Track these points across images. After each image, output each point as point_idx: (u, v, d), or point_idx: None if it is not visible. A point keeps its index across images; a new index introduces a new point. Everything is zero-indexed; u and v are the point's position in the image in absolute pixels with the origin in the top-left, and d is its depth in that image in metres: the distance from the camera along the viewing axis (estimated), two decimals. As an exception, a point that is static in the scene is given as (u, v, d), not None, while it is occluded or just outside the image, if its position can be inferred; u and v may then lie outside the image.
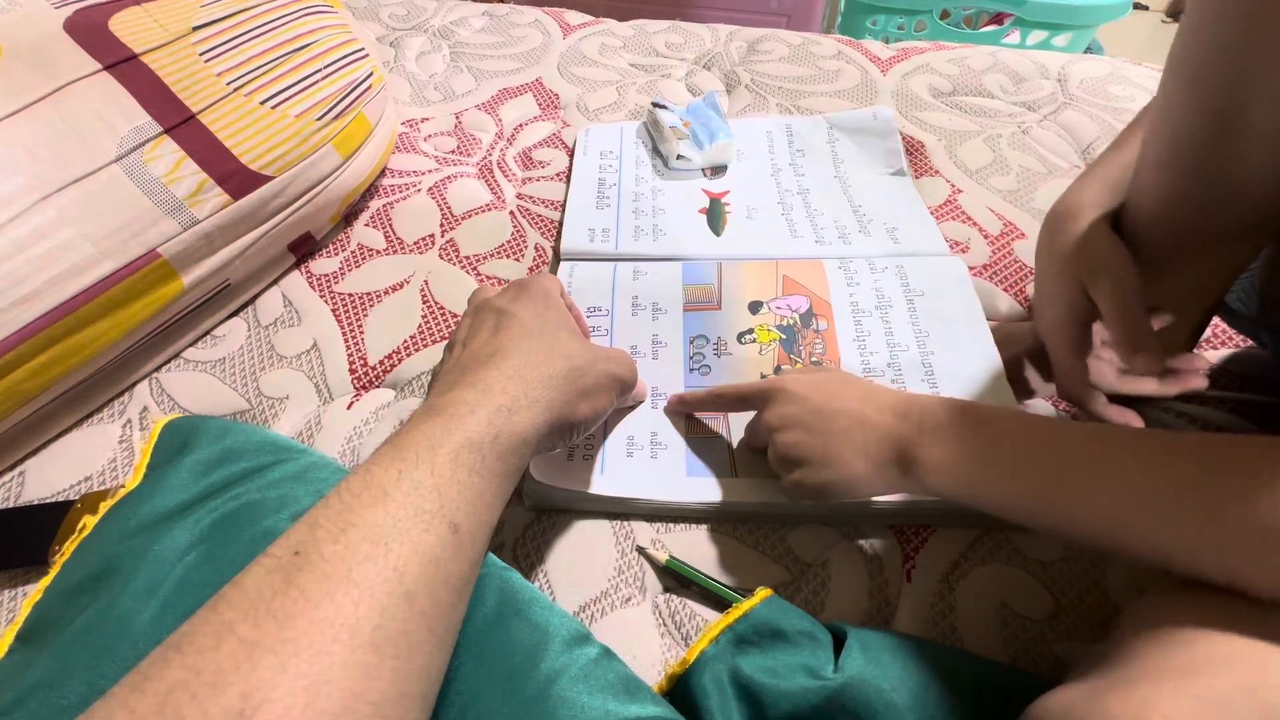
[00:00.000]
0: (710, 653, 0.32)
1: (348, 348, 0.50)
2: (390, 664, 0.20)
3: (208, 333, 0.51)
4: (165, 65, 0.47)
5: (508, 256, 0.56)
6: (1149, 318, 0.35)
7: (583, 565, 0.39)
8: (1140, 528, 0.26)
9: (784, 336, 0.47)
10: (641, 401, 0.44)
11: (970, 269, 0.51)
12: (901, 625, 0.37)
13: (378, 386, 0.48)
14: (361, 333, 0.51)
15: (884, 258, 0.52)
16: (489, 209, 0.60)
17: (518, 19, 0.83)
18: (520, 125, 0.69)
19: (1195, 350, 0.47)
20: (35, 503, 0.41)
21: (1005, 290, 0.52)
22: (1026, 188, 0.60)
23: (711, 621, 0.35)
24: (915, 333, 0.47)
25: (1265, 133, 0.30)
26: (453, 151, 0.66)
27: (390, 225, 0.59)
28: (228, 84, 0.49)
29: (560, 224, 0.58)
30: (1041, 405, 0.45)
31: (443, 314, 0.52)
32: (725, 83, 0.75)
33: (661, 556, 0.38)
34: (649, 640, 0.36)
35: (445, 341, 0.49)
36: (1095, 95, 0.70)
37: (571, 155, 0.65)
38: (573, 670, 0.29)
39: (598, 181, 0.61)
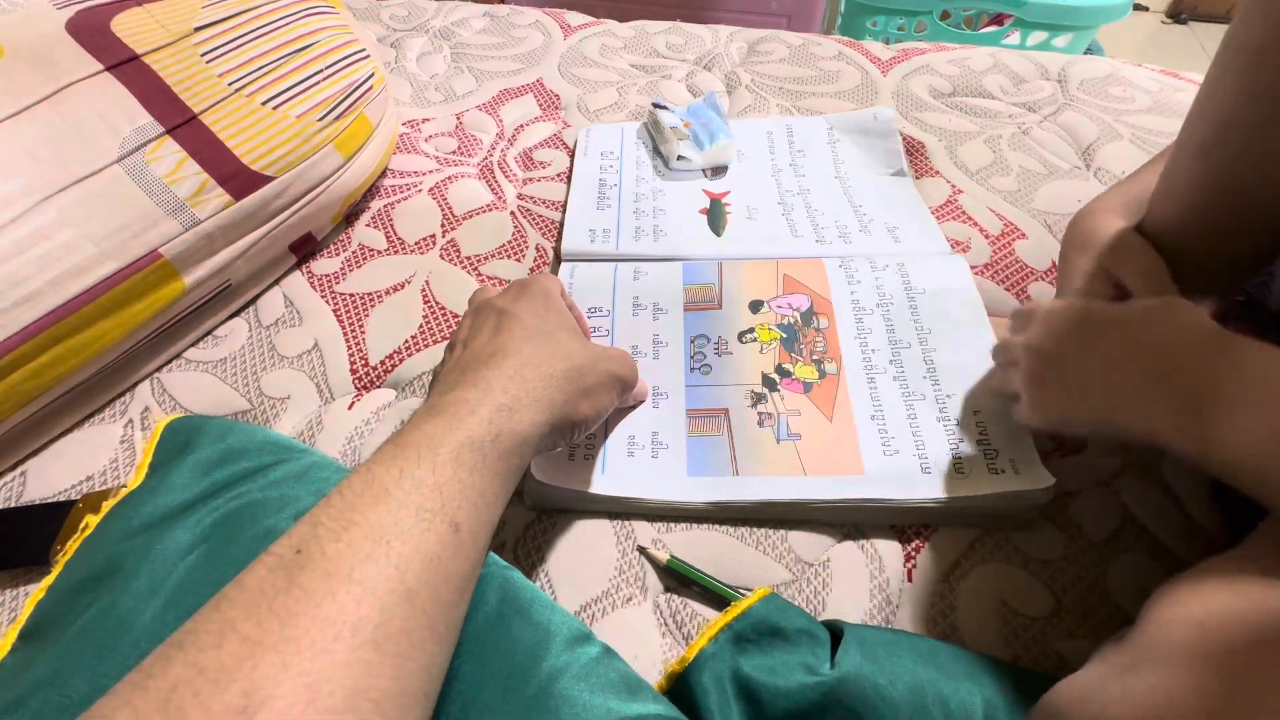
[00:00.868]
0: (709, 651, 0.32)
1: (349, 348, 0.50)
2: (392, 662, 0.20)
3: (209, 333, 0.51)
4: (167, 66, 0.47)
5: (509, 257, 0.56)
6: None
7: (583, 565, 0.39)
8: None
9: (785, 335, 0.47)
10: (642, 401, 0.44)
11: (971, 269, 0.51)
12: (902, 625, 0.37)
13: (379, 386, 0.48)
14: (363, 333, 0.51)
15: (885, 256, 0.52)
16: (490, 209, 0.60)
17: (518, 20, 0.83)
18: (521, 126, 0.69)
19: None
20: (36, 502, 0.41)
21: (1007, 289, 0.52)
22: (1027, 188, 0.60)
23: (712, 621, 0.35)
24: (917, 330, 0.47)
25: None
26: (454, 152, 0.66)
27: (391, 225, 0.59)
28: (229, 84, 0.49)
29: (561, 224, 0.58)
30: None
31: (444, 314, 0.52)
32: (726, 83, 0.75)
33: (662, 556, 0.38)
34: (650, 640, 0.36)
35: (446, 342, 0.49)
36: (1095, 96, 0.70)
37: (572, 156, 0.65)
38: (574, 669, 0.29)
39: (598, 182, 0.61)
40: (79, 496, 0.40)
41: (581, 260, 0.54)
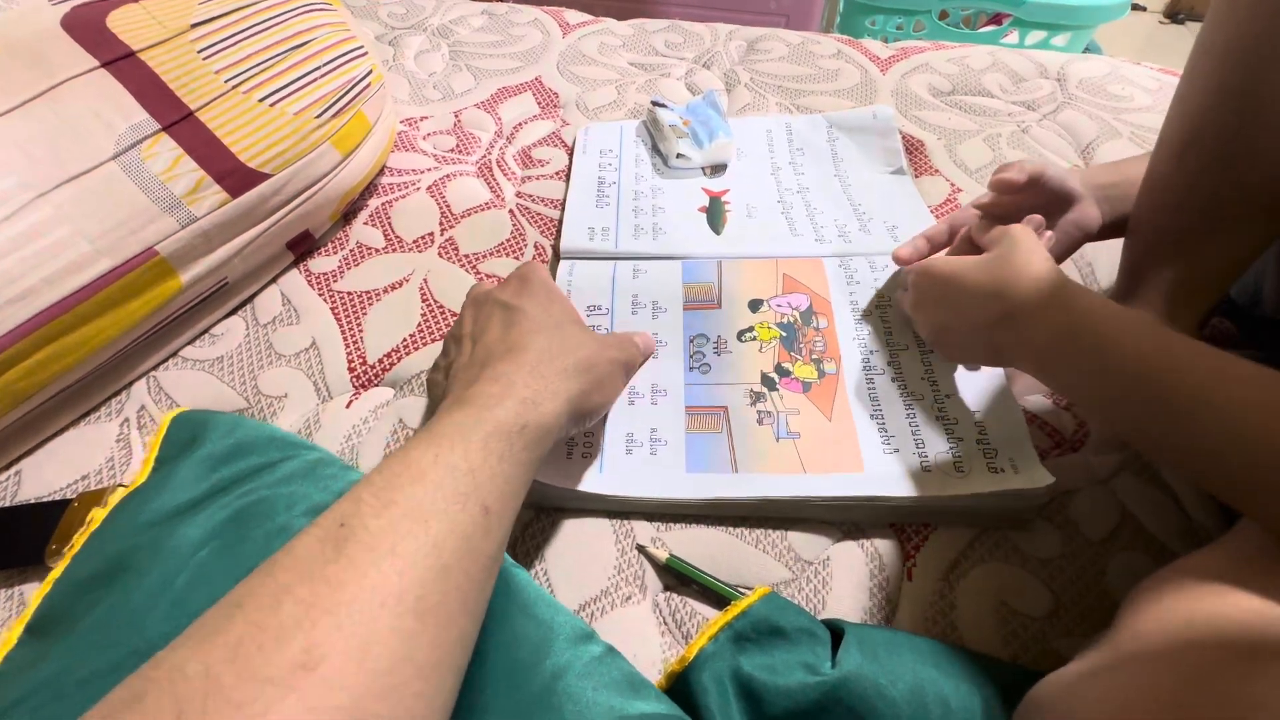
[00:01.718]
0: (709, 650, 0.32)
1: (347, 346, 0.49)
2: (430, 632, 0.22)
3: (206, 331, 0.50)
4: (163, 62, 0.47)
5: (507, 255, 0.56)
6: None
7: (583, 563, 0.38)
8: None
9: (784, 334, 0.47)
10: (650, 354, 0.43)
11: (970, 267, 0.51)
12: (902, 624, 0.36)
13: (377, 385, 0.48)
14: (360, 331, 0.50)
15: (884, 256, 0.52)
16: (488, 207, 0.60)
17: (517, 18, 0.83)
18: (520, 124, 0.69)
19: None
20: (31, 502, 0.41)
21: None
22: (1026, 187, 0.60)
23: (711, 619, 0.35)
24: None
25: None
26: (452, 150, 0.66)
27: (389, 223, 0.58)
28: (226, 81, 0.48)
29: (560, 222, 0.58)
30: (1038, 401, 0.45)
31: (442, 312, 0.51)
32: (725, 82, 0.75)
33: (662, 555, 0.38)
34: (649, 638, 0.36)
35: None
36: (1094, 95, 0.70)
37: (571, 154, 0.65)
38: (577, 667, 0.29)
39: (597, 180, 0.61)
40: (74, 496, 0.40)
41: (580, 258, 0.54)
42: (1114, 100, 0.69)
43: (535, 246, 0.57)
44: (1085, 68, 0.73)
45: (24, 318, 0.39)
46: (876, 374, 0.45)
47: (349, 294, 0.53)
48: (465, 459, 0.26)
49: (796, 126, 0.66)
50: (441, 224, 0.58)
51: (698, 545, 0.39)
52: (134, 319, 0.44)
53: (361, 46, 0.57)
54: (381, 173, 0.63)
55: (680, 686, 0.32)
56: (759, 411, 0.43)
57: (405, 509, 0.23)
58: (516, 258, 0.56)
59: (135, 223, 0.43)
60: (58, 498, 0.41)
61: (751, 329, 0.48)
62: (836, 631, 0.34)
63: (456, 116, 0.69)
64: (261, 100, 0.49)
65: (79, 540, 0.35)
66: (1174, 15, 2.18)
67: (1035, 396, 0.45)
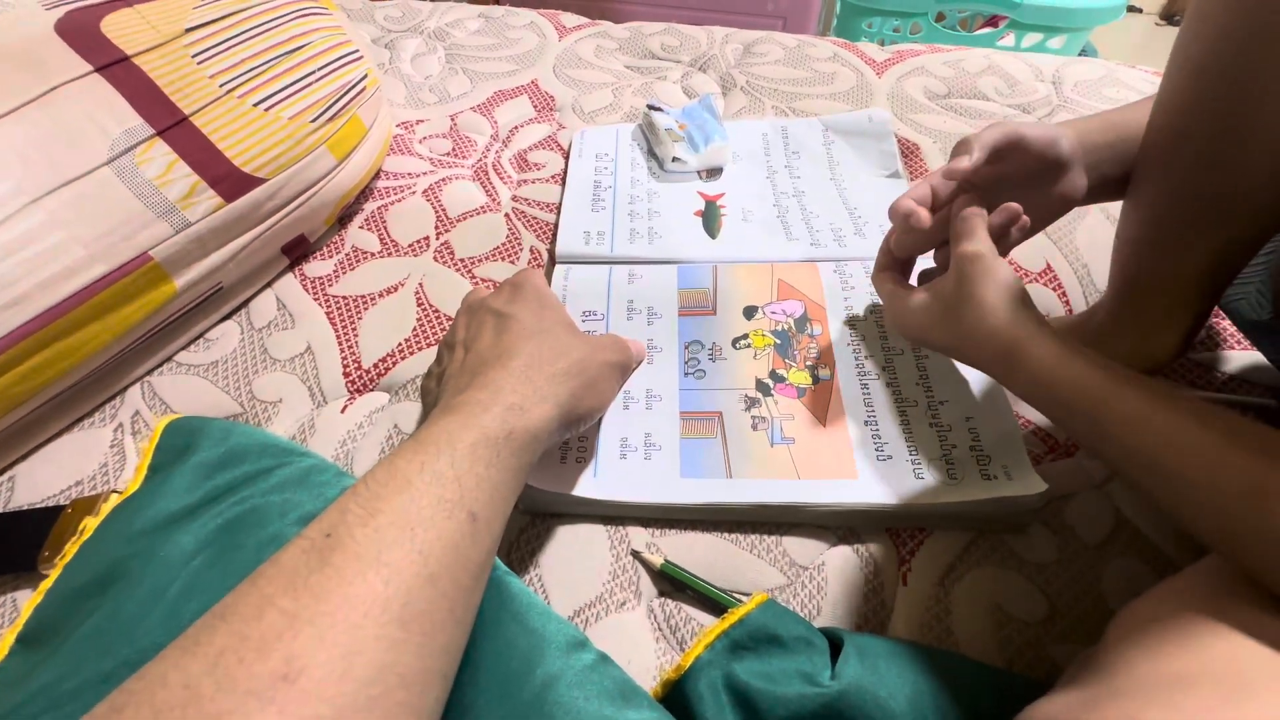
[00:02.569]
0: (706, 659, 0.32)
1: (342, 351, 0.49)
2: (416, 640, 0.22)
3: (200, 336, 0.50)
4: (157, 67, 0.47)
5: (503, 259, 0.56)
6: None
7: (577, 569, 0.38)
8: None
9: (779, 341, 0.47)
10: (642, 360, 0.42)
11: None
12: (897, 628, 0.36)
13: (372, 390, 0.48)
14: (355, 336, 0.50)
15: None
16: (484, 211, 0.60)
17: (513, 21, 0.83)
18: (515, 127, 0.69)
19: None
20: (24, 508, 0.41)
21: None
22: (1021, 190, 0.60)
23: (707, 626, 0.35)
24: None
25: (1268, 127, 0.30)
26: (448, 154, 0.66)
27: (385, 228, 0.58)
28: (220, 86, 0.48)
29: (555, 226, 0.58)
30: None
31: (437, 317, 0.51)
32: (721, 85, 0.75)
33: (657, 560, 0.38)
34: (644, 645, 0.36)
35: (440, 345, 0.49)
36: (1090, 98, 0.70)
37: (567, 157, 0.65)
38: (569, 676, 0.29)
39: (593, 184, 0.61)
40: (68, 502, 0.40)
41: (576, 263, 0.54)
42: (1109, 103, 0.69)
43: (531, 250, 0.57)
44: (1081, 71, 0.74)
45: (18, 323, 0.39)
46: (870, 379, 0.45)
47: (344, 298, 0.53)
48: (451, 466, 0.26)
49: (792, 130, 0.66)
50: (437, 228, 0.58)
51: (693, 550, 0.39)
52: (128, 324, 0.44)
53: (357, 50, 0.57)
54: (377, 176, 0.63)
55: (676, 695, 0.32)
56: (753, 417, 0.43)
57: (391, 518, 0.23)
58: (512, 262, 0.56)
59: (129, 228, 0.43)
60: (51, 504, 0.41)
61: (746, 336, 0.48)
62: (835, 641, 0.33)
63: (452, 120, 0.69)
64: (256, 105, 0.49)
65: (71, 549, 0.35)
66: (1170, 18, 2.19)
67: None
